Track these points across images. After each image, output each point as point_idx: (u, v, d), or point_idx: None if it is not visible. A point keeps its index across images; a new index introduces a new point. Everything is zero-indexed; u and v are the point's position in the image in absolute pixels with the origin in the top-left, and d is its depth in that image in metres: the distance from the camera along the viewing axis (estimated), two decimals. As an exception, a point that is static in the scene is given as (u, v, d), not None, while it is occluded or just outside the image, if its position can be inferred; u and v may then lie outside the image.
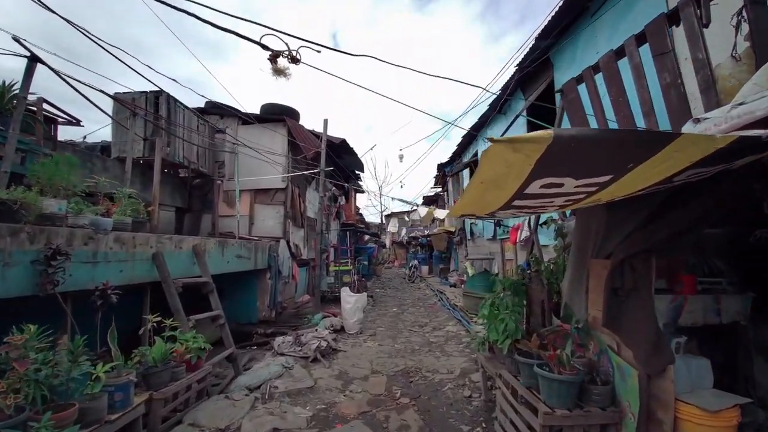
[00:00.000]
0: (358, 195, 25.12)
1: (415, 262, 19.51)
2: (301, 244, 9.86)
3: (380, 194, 24.05)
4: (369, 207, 31.25)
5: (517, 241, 7.82)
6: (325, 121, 8.61)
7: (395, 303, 11.59)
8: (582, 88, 3.63)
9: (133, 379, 3.12)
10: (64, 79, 4.40)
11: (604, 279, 2.86)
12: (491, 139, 1.54)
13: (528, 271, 4.48)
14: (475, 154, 11.52)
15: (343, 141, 10.12)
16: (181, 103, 7.37)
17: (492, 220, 9.20)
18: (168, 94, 7.08)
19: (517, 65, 6.81)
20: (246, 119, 8.86)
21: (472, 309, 7.84)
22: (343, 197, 14.98)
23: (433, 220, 23.36)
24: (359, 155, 13.17)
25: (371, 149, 14.53)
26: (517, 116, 7.51)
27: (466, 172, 13.02)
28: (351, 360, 5.65)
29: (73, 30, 3.97)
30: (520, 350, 3.18)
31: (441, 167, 16.63)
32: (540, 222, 5.40)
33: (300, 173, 8.67)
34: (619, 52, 3.15)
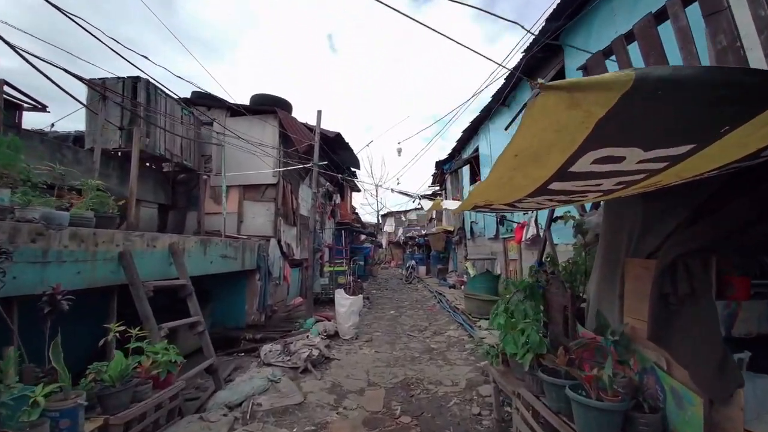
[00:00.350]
0: (354, 194, 24.61)
1: (413, 262, 19.04)
2: (294, 243, 9.35)
3: (377, 193, 23.56)
4: (365, 206, 30.72)
5: (523, 239, 7.36)
6: (319, 113, 8.12)
7: (392, 305, 11.10)
8: (611, 63, 3.16)
9: (82, 402, 2.60)
10: (21, 55, 3.87)
11: (646, 282, 2.38)
12: (539, 85, 1.06)
13: (543, 272, 4.00)
14: (476, 150, 11.07)
15: (338, 135, 9.63)
16: (163, 91, 6.84)
17: (497, 215, 8.74)
18: (148, 80, 6.56)
19: (524, 51, 6.35)
20: (235, 110, 8.33)
21: (474, 312, 7.38)
22: (338, 195, 14.47)
23: (430, 220, 22.90)
24: (355, 152, 12.68)
25: (367, 145, 13.92)
26: (523, 107, 7.05)
27: (466, 170, 12.56)
28: (345, 370, 5.15)
29: (61, 27, 3.44)
30: (543, 366, 2.70)
31: (439, 165, 16.18)
32: (554, 217, 4.92)
33: (292, 167, 8.16)
34: (660, 15, 2.68)
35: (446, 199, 18.62)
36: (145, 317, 3.90)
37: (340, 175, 12.08)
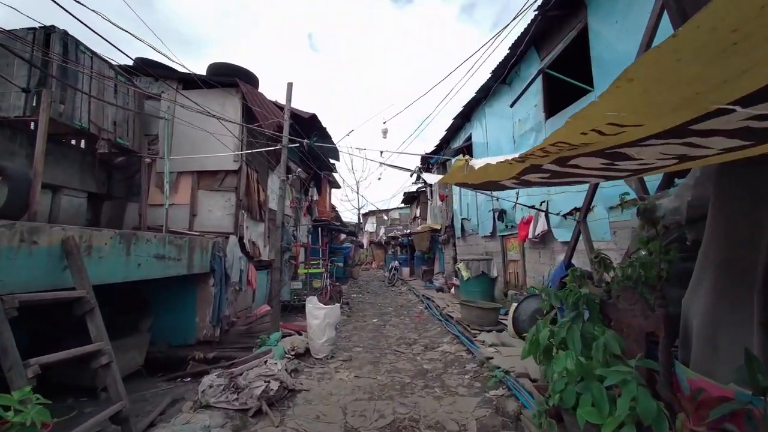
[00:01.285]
0: (334, 191, 23.26)
1: (396, 263, 17.88)
2: (261, 242, 7.99)
3: (357, 190, 22.28)
4: (344, 201, 29.33)
5: (529, 237, 6.28)
6: (289, 86, 6.81)
7: (375, 311, 9.87)
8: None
9: None
10: None
11: None
12: None
13: (600, 279, 2.87)
14: (469, 138, 10.00)
15: (314, 117, 8.34)
16: (88, 48, 5.41)
17: (494, 212, 7.67)
18: (65, 32, 5.14)
19: (537, 9, 5.26)
20: (189, 81, 6.92)
21: (474, 322, 6.24)
22: (315, 190, 13.13)
23: (414, 218, 21.75)
24: (335, 142, 11.39)
25: (348, 135, 12.55)
26: (532, 80, 5.98)
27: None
28: (315, 407, 3.89)
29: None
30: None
31: (425, 159, 15.06)
32: (591, 206, 3.81)
33: (258, 150, 6.81)
34: None
35: (432, 196, 17.60)
36: (2, 350, 2.55)
37: (317, 170, 10.79)
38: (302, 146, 10.47)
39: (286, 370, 4.37)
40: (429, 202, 18.65)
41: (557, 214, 5.39)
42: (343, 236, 27.08)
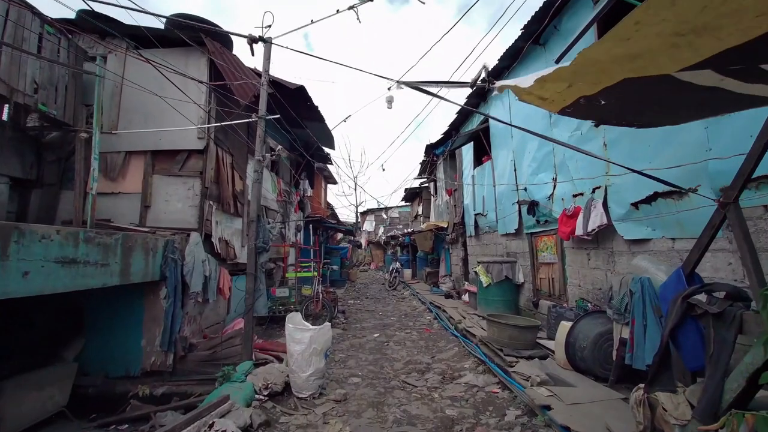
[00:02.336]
0: (331, 187, 21.79)
1: (397, 265, 16.42)
2: (237, 241, 6.54)
3: (355, 186, 20.85)
4: (340, 197, 27.85)
5: (576, 234, 4.86)
6: (267, 45, 5.36)
7: (376, 322, 8.43)
8: None
9: None
10: None
11: None
12: None
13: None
14: (485, 120, 8.58)
15: (301, 89, 6.87)
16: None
17: (520, 205, 6.21)
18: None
19: None
20: (142, 39, 5.45)
21: (506, 344, 4.80)
22: (308, 183, 11.67)
23: (416, 216, 20.17)
24: (330, 130, 9.95)
25: (344, 120, 11.11)
26: (585, 29, 4.54)
27: (467, 150, 10.04)
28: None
29: None
30: None
31: (430, 149, 13.63)
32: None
33: (228, 123, 5.34)
34: None
35: (437, 192, 16.16)
36: None
37: (309, 157, 9.36)
38: (291, 131, 9.05)
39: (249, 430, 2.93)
40: (432, 199, 17.23)
41: (637, 203, 3.97)
42: (339, 236, 25.65)
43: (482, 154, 9.02)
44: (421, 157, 15.75)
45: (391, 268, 16.46)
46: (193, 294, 4.94)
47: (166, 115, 5.36)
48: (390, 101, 5.17)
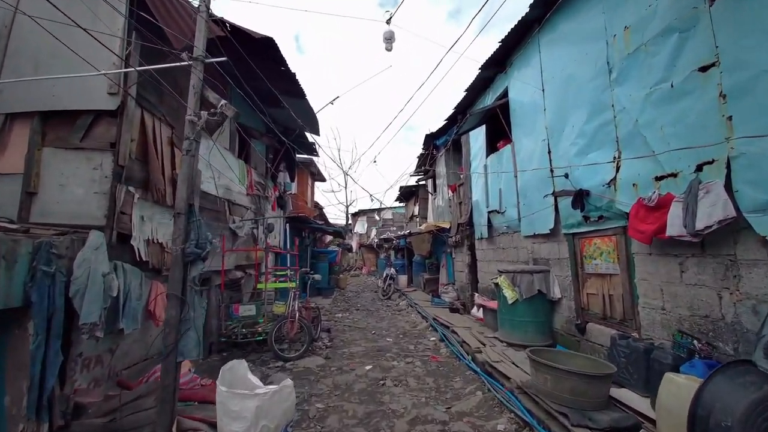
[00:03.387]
0: (321, 186, 20.04)
1: (392, 271, 14.75)
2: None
3: (346, 183, 19.16)
4: (327, 193, 26.09)
5: (668, 233, 3.25)
6: (215, -41, 3.68)
7: (367, 345, 6.74)
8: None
9: None
10: None
11: None
12: None
13: None
14: (504, 94, 6.98)
15: (269, 42, 5.14)
16: None
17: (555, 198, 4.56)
18: None
19: None
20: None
21: (566, 400, 3.15)
22: (288, 175, 9.94)
23: (412, 217, 18.41)
24: (315, 110, 8.28)
25: (332, 102, 9.36)
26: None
27: (476, 136, 8.41)
28: None
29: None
30: None
31: (429, 140, 12.02)
32: None
33: (154, 67, 3.62)
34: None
35: (436, 191, 14.53)
36: None
37: (295, 145, 7.69)
38: (266, 111, 7.35)
39: None
40: (431, 197, 15.60)
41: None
42: (329, 238, 23.92)
43: (498, 138, 7.41)
44: (417, 159, 14.16)
45: (384, 275, 14.77)
46: (86, 326, 3.20)
47: (63, 60, 3.63)
48: (389, 39, 3.52)
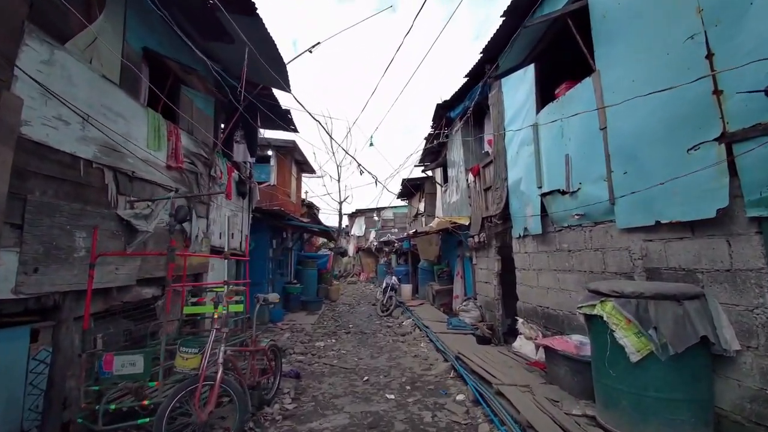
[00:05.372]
0: (311, 181, 17.35)
1: (393, 280, 12.02)
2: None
3: (339, 176, 16.49)
4: (313, 178, 23.36)
5: None
6: None
7: (353, 409, 3.99)
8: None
9: None
10: None
11: None
12: None
13: None
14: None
15: None
16: None
17: None
18: None
19: None
20: None
21: None
22: (247, 150, 7.22)
23: (416, 216, 15.38)
24: (281, 54, 5.67)
25: (310, 50, 6.60)
26: None
27: (521, 81, 5.72)
28: None
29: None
30: None
31: (441, 111, 9.33)
32: None
33: None
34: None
35: (447, 182, 11.69)
36: None
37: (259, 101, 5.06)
38: (196, 38, 4.65)
39: None
40: (439, 190, 12.89)
41: None
42: (321, 241, 21.21)
43: (555, 81, 4.74)
44: (425, 141, 11.46)
45: (384, 285, 12.04)
46: None
47: None
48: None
